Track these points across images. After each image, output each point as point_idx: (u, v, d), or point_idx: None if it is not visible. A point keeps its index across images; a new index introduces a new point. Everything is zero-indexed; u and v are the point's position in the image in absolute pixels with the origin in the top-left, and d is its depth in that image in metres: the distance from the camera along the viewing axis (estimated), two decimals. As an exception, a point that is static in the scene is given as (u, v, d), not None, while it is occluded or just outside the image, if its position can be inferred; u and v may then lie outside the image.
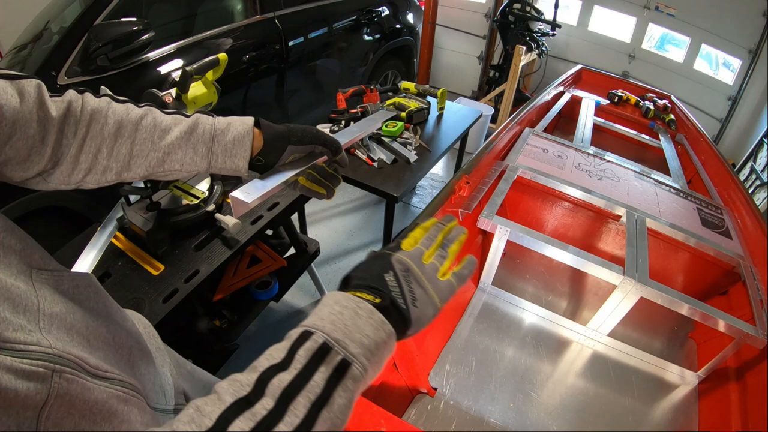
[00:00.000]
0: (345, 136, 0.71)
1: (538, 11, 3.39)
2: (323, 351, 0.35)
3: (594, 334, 1.25)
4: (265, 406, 0.31)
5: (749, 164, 2.92)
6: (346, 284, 0.44)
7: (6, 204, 1.35)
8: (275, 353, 0.35)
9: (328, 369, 0.34)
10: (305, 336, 0.36)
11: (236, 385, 0.33)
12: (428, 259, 0.47)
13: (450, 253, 0.49)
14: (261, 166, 0.61)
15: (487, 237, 1.47)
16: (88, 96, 0.52)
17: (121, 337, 0.52)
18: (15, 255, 0.43)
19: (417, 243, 0.48)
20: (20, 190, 1.39)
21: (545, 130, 1.87)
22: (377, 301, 0.40)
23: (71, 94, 0.51)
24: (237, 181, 1.33)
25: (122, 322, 0.55)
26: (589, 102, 2.33)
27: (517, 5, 3.31)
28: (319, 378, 0.33)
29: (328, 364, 0.34)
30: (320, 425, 0.32)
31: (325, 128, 1.72)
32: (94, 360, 0.43)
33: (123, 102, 0.54)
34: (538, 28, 3.46)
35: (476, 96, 4.22)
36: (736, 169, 2.72)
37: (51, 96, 0.49)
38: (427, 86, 2.07)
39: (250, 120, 0.58)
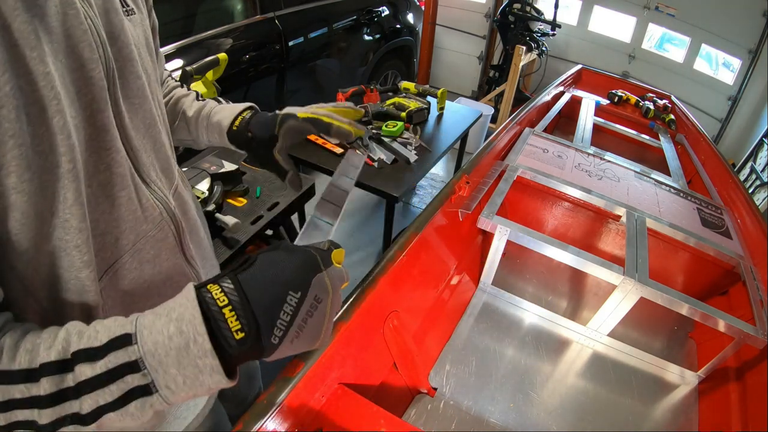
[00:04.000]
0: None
1: (538, 11, 3.39)
2: (133, 367, 0.33)
3: (594, 334, 1.25)
4: (67, 382, 0.33)
5: (749, 164, 2.92)
6: (243, 266, 0.37)
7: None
8: (99, 334, 0.34)
9: (130, 384, 0.33)
10: (126, 340, 0.33)
11: (53, 348, 0.33)
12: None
13: None
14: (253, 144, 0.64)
15: (487, 237, 1.47)
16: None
17: (208, 249, 0.70)
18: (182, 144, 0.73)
19: None
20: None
21: (545, 130, 1.87)
22: (238, 337, 0.33)
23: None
24: (237, 183, 1.33)
25: (209, 242, 0.73)
26: (589, 102, 2.33)
27: (517, 5, 3.31)
28: (117, 389, 0.33)
29: (131, 381, 0.33)
30: (105, 422, 0.33)
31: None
32: (189, 241, 0.59)
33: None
34: (538, 28, 3.46)
35: (476, 96, 4.22)
36: (736, 169, 2.72)
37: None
38: (427, 86, 2.07)
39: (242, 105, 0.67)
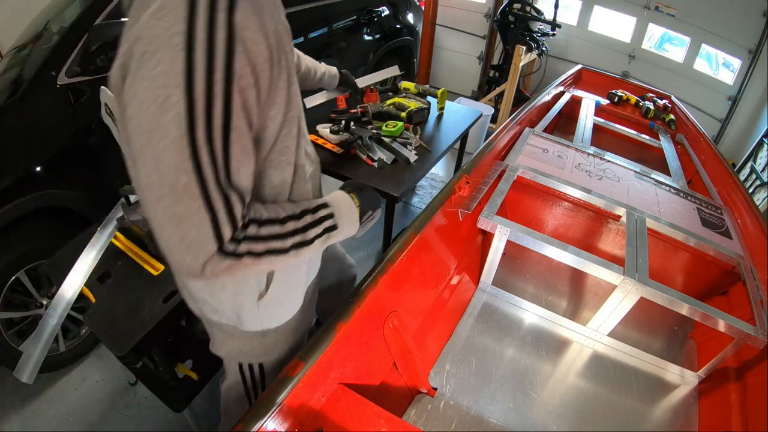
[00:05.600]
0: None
1: (538, 11, 3.39)
2: (329, 217, 0.68)
3: (594, 334, 1.25)
4: (303, 222, 0.64)
5: (749, 164, 2.92)
6: (356, 188, 0.78)
7: (6, 204, 1.35)
8: (315, 203, 0.68)
9: (327, 225, 0.67)
10: (325, 205, 0.69)
11: (296, 207, 0.64)
12: None
13: None
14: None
15: (487, 237, 1.47)
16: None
17: None
18: None
19: None
20: (20, 191, 1.38)
21: (545, 130, 1.87)
22: (357, 207, 0.75)
23: None
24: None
25: None
26: (589, 102, 2.33)
27: (517, 5, 3.31)
28: (320, 228, 0.66)
29: (329, 223, 0.68)
30: (319, 241, 0.66)
31: (325, 128, 1.72)
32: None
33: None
34: (538, 28, 3.46)
35: (476, 96, 4.22)
36: (736, 169, 2.72)
37: None
38: (427, 86, 2.07)
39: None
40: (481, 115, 2.14)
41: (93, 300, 1.05)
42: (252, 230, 0.55)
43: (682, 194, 1.57)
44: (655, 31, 3.54)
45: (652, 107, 2.33)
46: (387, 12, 2.88)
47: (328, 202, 0.69)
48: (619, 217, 1.41)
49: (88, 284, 1.08)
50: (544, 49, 3.43)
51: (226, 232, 0.51)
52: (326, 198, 0.71)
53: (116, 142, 1.17)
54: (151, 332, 0.97)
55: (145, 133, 0.47)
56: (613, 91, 2.46)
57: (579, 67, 2.87)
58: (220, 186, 0.50)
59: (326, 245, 0.68)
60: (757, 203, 2.13)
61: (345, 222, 0.70)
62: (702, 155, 2.03)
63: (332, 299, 1.08)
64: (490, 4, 3.87)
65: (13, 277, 1.42)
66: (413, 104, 1.89)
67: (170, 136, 0.46)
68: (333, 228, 0.67)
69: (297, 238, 0.61)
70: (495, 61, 3.97)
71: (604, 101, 2.43)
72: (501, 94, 3.44)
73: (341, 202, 0.71)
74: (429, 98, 2.04)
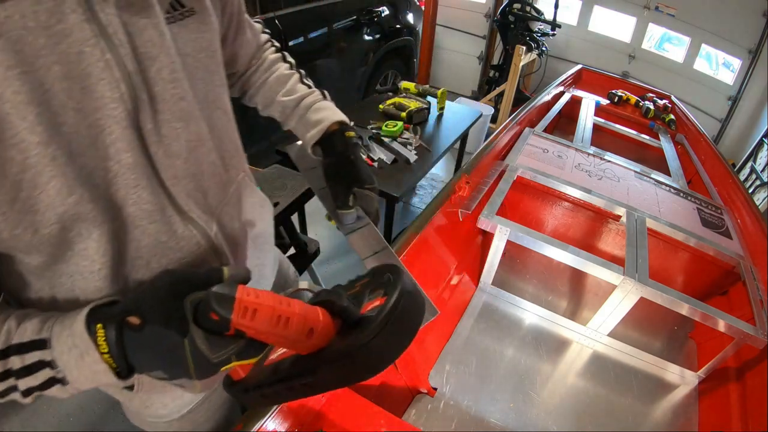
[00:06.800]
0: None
1: (538, 11, 3.39)
2: (51, 365, 0.40)
3: (594, 334, 1.25)
4: (9, 365, 0.40)
5: (749, 164, 2.93)
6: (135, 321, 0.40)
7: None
8: (26, 332, 0.41)
9: (49, 375, 0.40)
10: (43, 344, 0.40)
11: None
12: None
13: None
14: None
15: (487, 237, 1.47)
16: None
17: (268, 267, 0.72)
18: None
19: None
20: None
21: (545, 130, 1.87)
22: (114, 371, 0.40)
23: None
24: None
25: (272, 256, 0.74)
26: (589, 102, 2.33)
27: (517, 5, 3.32)
28: (41, 377, 0.40)
29: (50, 373, 0.40)
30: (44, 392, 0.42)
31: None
32: (244, 261, 0.63)
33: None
34: (538, 28, 3.47)
35: (476, 96, 4.22)
36: (736, 169, 2.72)
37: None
38: (427, 86, 2.07)
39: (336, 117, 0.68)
40: (481, 115, 2.14)
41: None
42: None
43: (682, 194, 1.57)
44: (655, 31, 3.54)
45: (652, 107, 2.33)
46: (387, 12, 2.88)
47: (49, 340, 0.40)
48: (619, 217, 1.41)
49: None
50: (544, 49, 3.44)
51: None
52: (56, 328, 0.40)
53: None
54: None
55: None
56: (613, 91, 2.46)
57: (579, 67, 2.87)
58: None
59: (69, 394, 0.43)
60: (757, 203, 2.13)
61: (78, 375, 0.40)
62: (702, 155, 2.03)
63: None
64: (490, 4, 3.88)
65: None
66: (413, 104, 1.89)
67: None
68: (60, 381, 0.41)
69: (2, 385, 0.41)
70: (495, 61, 3.97)
71: (604, 101, 2.43)
72: (501, 94, 3.44)
73: (70, 340, 0.39)
74: (429, 98, 2.04)
